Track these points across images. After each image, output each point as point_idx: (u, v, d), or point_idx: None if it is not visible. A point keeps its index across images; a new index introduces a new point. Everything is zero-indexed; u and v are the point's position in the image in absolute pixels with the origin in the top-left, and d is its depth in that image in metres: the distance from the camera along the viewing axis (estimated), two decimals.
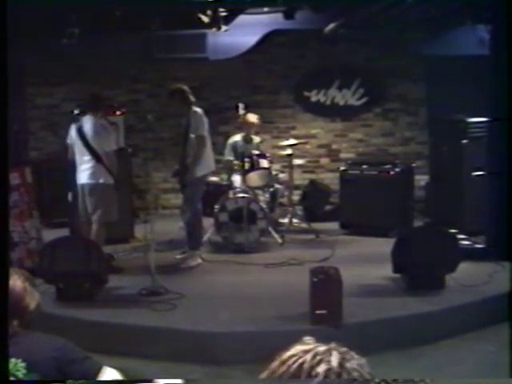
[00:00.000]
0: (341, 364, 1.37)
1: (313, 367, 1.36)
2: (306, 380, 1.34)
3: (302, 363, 1.37)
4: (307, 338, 1.46)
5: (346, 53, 9.60)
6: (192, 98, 6.94)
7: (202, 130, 6.84)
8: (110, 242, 6.84)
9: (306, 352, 1.40)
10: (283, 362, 1.40)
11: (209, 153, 7.06)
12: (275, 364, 1.41)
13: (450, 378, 4.53)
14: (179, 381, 2.87)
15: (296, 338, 1.45)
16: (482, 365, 4.82)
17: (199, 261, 7.04)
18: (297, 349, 1.42)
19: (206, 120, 6.92)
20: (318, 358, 1.38)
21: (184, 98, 6.91)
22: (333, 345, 1.43)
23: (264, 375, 1.43)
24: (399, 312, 5.47)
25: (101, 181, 6.53)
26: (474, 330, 5.41)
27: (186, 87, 6.99)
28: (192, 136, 6.85)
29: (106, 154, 6.56)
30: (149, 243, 6.21)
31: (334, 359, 1.38)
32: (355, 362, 1.40)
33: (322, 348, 1.42)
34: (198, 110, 6.93)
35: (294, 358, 1.39)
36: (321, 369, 1.36)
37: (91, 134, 6.53)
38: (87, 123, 6.59)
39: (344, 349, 1.42)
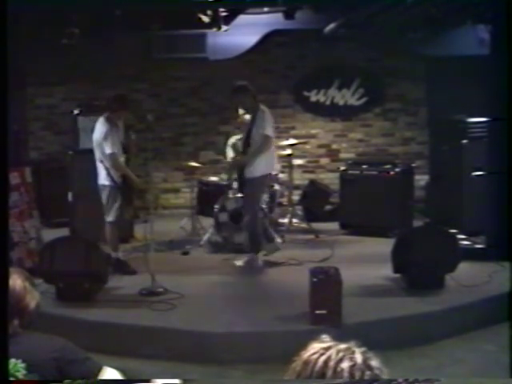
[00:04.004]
0: (365, 361, 1.36)
1: (338, 363, 1.35)
2: (332, 376, 1.32)
3: (327, 360, 1.35)
4: (324, 336, 1.44)
5: (346, 53, 9.60)
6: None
7: (268, 129, 6.57)
8: None
9: (327, 349, 1.38)
10: (306, 362, 1.37)
11: (272, 153, 6.81)
12: (297, 365, 1.38)
13: (450, 378, 4.52)
14: (177, 381, 2.86)
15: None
16: (482, 365, 4.82)
17: (260, 263, 6.83)
18: (316, 347, 1.40)
19: (272, 120, 6.69)
20: (341, 354, 1.37)
21: (253, 95, 6.62)
22: (351, 343, 1.42)
23: (288, 377, 1.40)
24: (399, 312, 5.46)
25: (106, 182, 6.48)
26: (474, 329, 5.41)
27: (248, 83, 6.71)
28: (256, 134, 6.59)
29: (107, 155, 6.43)
30: (149, 243, 6.21)
31: (359, 356, 1.37)
32: (376, 361, 1.39)
33: (342, 345, 1.40)
34: (266, 109, 6.66)
35: (317, 356, 1.37)
36: (345, 365, 1.34)
37: (95, 136, 6.48)
38: (97, 124, 6.53)
39: (363, 348, 1.41)
